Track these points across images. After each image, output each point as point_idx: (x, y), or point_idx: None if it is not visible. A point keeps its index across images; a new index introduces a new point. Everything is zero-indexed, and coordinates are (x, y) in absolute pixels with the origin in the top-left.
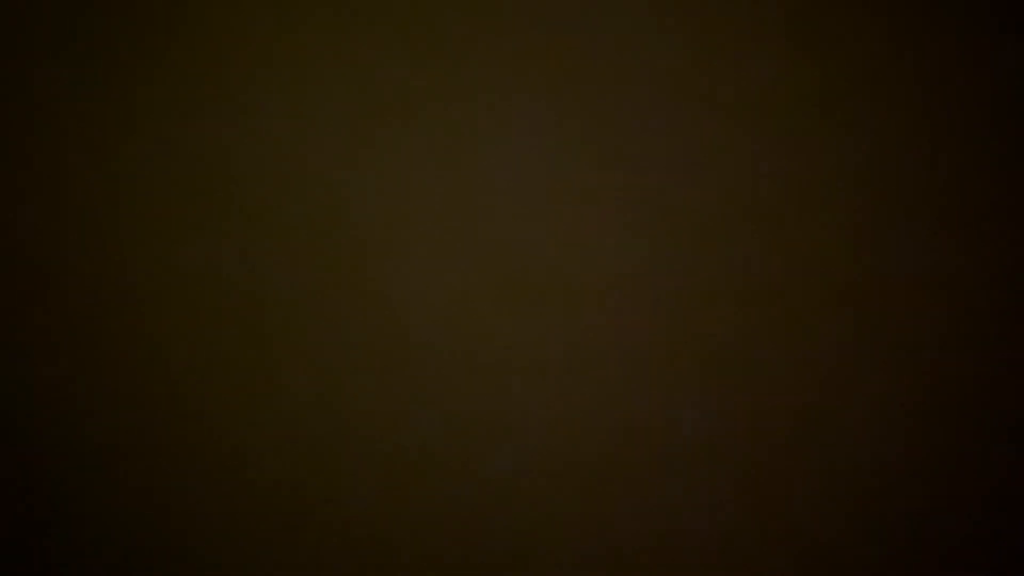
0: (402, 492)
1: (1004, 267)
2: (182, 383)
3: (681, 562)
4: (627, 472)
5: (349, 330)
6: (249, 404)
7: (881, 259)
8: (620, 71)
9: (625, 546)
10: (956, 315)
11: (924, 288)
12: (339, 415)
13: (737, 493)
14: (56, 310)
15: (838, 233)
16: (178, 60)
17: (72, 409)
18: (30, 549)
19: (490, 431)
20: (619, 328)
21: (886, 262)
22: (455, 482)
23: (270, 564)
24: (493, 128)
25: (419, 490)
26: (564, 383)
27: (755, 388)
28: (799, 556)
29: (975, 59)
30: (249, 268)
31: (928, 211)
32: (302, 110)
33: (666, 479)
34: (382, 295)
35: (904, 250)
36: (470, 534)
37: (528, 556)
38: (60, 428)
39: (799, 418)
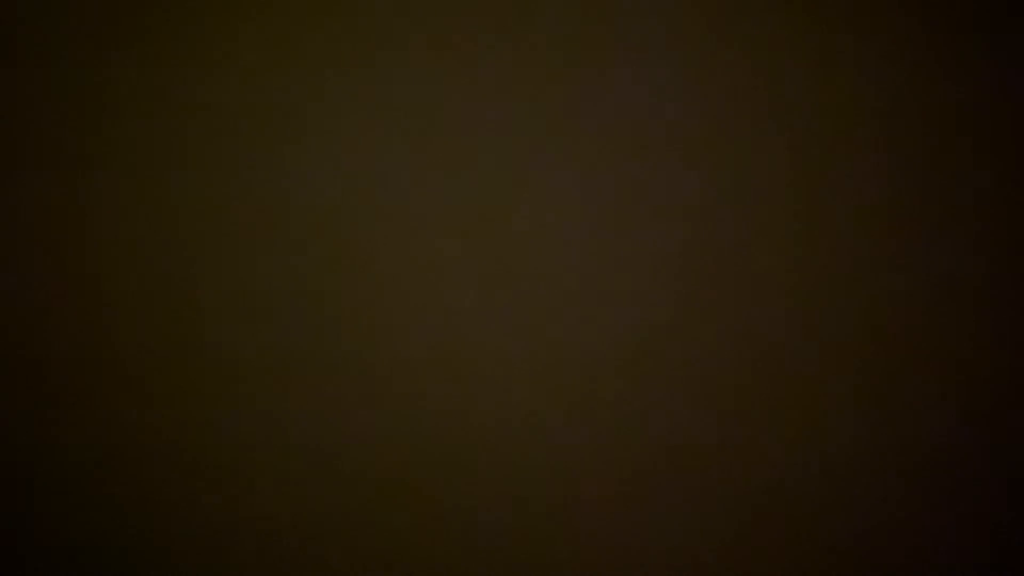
0: (400, 495)
1: (1004, 268)
2: (183, 385)
3: (674, 565)
4: (622, 473)
5: (348, 325)
6: (250, 409)
7: (883, 257)
8: (620, 70)
9: (618, 547)
10: (956, 312)
11: (924, 286)
12: (338, 416)
13: (735, 495)
14: (56, 317)
15: (836, 231)
16: (179, 62)
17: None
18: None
19: (489, 433)
20: (618, 326)
21: (888, 261)
22: (450, 485)
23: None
24: (491, 127)
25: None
26: (560, 384)
27: (752, 386)
28: (797, 561)
29: (978, 57)
30: (248, 270)
31: (928, 211)
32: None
33: (661, 481)
34: (381, 291)
35: (903, 248)
36: (466, 539)
37: (525, 560)
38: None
39: (796, 418)
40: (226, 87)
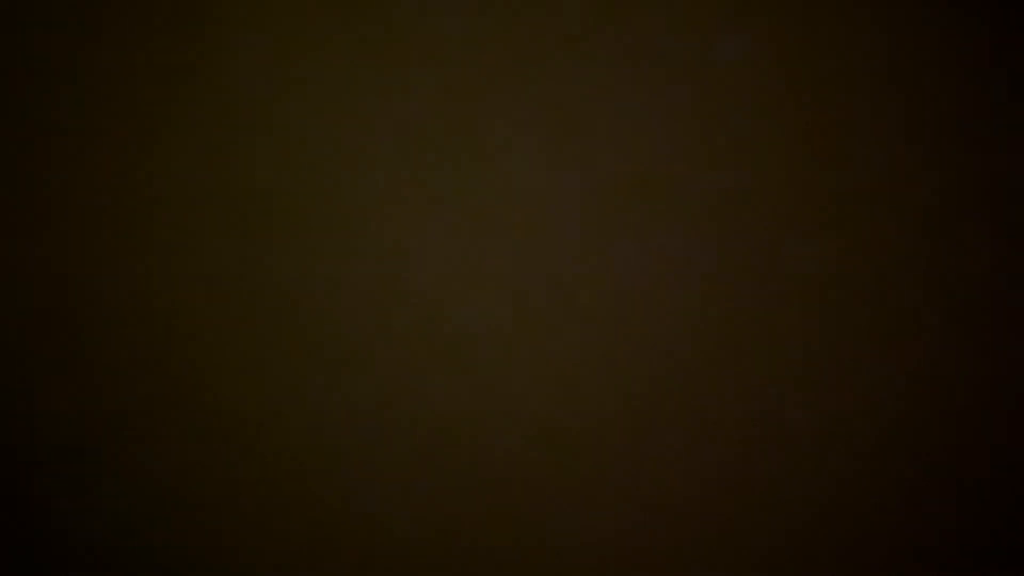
0: (409, 482)
1: (1003, 267)
2: (191, 378)
3: (674, 560)
4: (625, 469)
5: (356, 326)
6: (261, 396)
7: (881, 258)
8: (622, 67)
9: (620, 543)
10: (956, 314)
11: (924, 286)
12: (348, 404)
13: (736, 489)
14: (65, 313)
15: (838, 232)
16: (193, 65)
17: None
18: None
19: (493, 427)
20: (622, 326)
21: (886, 260)
22: (456, 477)
23: (273, 561)
24: (498, 128)
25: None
26: (568, 377)
27: (755, 386)
28: (798, 555)
29: (977, 57)
30: (262, 266)
31: (928, 211)
32: (316, 113)
33: (662, 477)
34: (386, 291)
35: (902, 248)
36: (472, 532)
37: (528, 555)
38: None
39: (797, 416)
40: (233, 86)
